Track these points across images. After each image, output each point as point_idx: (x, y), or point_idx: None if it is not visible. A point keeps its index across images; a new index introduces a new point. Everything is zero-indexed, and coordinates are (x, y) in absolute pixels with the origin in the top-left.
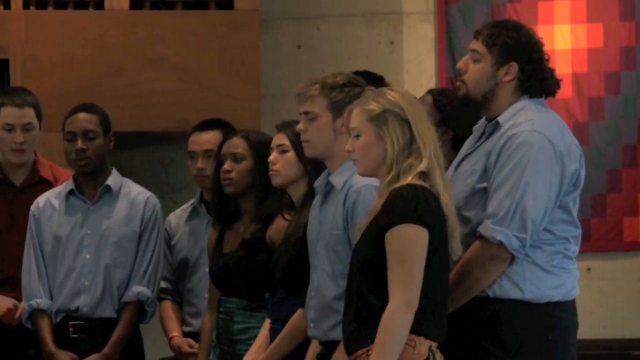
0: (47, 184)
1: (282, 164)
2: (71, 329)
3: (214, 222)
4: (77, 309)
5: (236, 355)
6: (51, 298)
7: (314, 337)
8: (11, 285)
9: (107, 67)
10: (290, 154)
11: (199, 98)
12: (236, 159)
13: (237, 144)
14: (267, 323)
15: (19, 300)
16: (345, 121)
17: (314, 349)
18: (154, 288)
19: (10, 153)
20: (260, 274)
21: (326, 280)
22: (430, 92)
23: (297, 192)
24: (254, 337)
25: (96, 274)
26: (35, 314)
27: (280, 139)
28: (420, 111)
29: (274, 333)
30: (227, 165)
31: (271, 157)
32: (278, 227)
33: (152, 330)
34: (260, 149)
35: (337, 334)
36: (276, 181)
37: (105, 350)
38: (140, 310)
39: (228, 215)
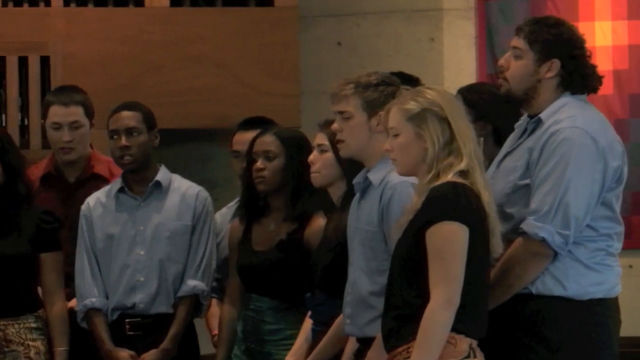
0: (101, 180)
1: (321, 163)
2: (127, 326)
3: (241, 217)
4: (134, 305)
5: (264, 354)
6: (105, 297)
7: (350, 333)
8: (65, 281)
9: (146, 65)
10: (329, 154)
11: (238, 95)
12: (268, 157)
13: (269, 142)
14: (308, 323)
15: (73, 295)
16: (383, 120)
17: (350, 346)
18: (208, 281)
19: (59, 151)
20: (295, 276)
21: (361, 276)
22: (459, 91)
23: (336, 193)
24: (285, 338)
25: (151, 270)
26: (90, 313)
27: (321, 139)
28: (459, 109)
29: (315, 334)
30: (259, 164)
31: (311, 157)
32: (315, 228)
33: (196, 327)
34: (292, 146)
35: (373, 330)
36: (316, 182)
37: (164, 345)
38: (196, 304)
39: (257, 211)
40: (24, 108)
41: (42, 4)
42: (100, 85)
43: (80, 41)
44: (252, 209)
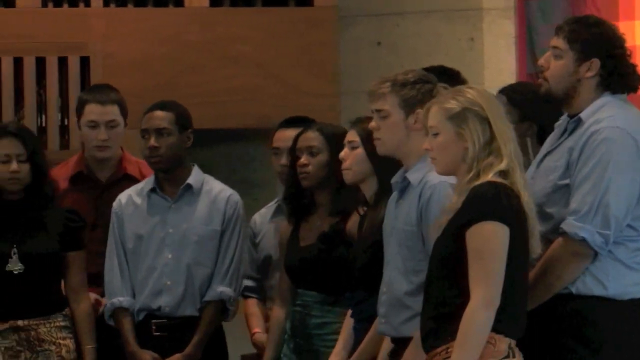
0: (132, 181)
1: (352, 160)
2: (153, 327)
3: (289, 215)
4: (159, 308)
5: (312, 351)
6: (133, 296)
7: (385, 333)
8: (95, 281)
9: (186, 65)
10: (360, 150)
11: (278, 95)
12: (312, 152)
13: (313, 138)
14: (349, 322)
15: (103, 296)
16: (421, 119)
17: (385, 346)
18: (236, 287)
19: (94, 150)
20: (339, 268)
21: (397, 276)
22: (502, 91)
23: (369, 190)
24: (331, 332)
25: (178, 274)
26: (117, 312)
27: (352, 135)
28: (499, 109)
29: (358, 333)
30: (303, 159)
31: (342, 154)
32: (355, 222)
33: (235, 327)
34: (336, 141)
35: (408, 330)
36: (347, 178)
37: (187, 350)
38: (222, 309)
39: (303, 208)
40: (64, 108)
41: (81, 4)
42: (139, 85)
43: (120, 41)
44: (298, 206)
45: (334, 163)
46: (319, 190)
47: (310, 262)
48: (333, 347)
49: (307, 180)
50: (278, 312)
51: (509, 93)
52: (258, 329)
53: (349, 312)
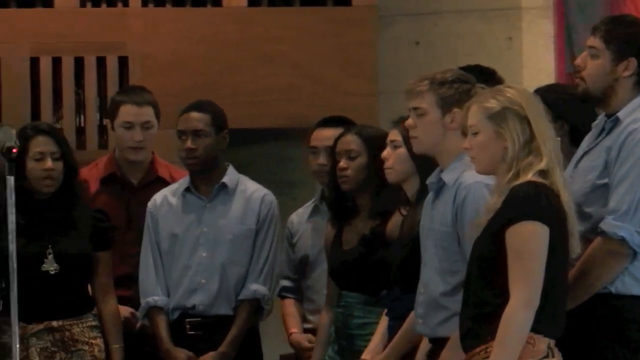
0: (164, 183)
1: (394, 159)
2: (188, 326)
3: (331, 219)
4: (194, 306)
5: (355, 351)
6: (168, 295)
7: (422, 333)
8: (127, 283)
9: (223, 64)
10: (402, 150)
11: (316, 94)
12: (350, 156)
13: (351, 141)
14: (385, 320)
15: (135, 298)
16: (458, 118)
17: (424, 346)
18: (270, 286)
19: (129, 151)
20: (379, 270)
21: (434, 276)
22: (536, 91)
23: (411, 189)
24: (373, 333)
25: (212, 272)
26: (152, 311)
27: (394, 135)
28: (539, 109)
29: (392, 330)
30: (342, 163)
31: (384, 153)
32: (396, 222)
33: (272, 327)
34: (374, 144)
35: (446, 330)
36: (390, 178)
37: (221, 348)
38: (257, 307)
39: (345, 212)
40: (102, 108)
41: (120, 4)
42: (177, 85)
43: (158, 41)
44: (340, 210)
45: (374, 165)
46: (359, 193)
47: (352, 266)
48: None
49: (347, 184)
50: (326, 316)
51: (543, 93)
52: (295, 329)
53: (385, 311)
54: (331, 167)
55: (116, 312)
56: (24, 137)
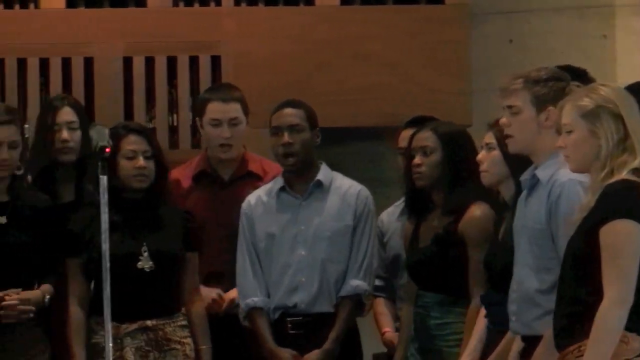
0: (255, 178)
1: (489, 162)
2: (289, 325)
3: (409, 215)
4: (295, 305)
5: (435, 350)
6: (267, 295)
7: (515, 331)
8: (216, 279)
9: (315, 63)
10: (496, 152)
11: (408, 93)
12: (425, 152)
13: (426, 137)
14: (482, 322)
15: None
16: (552, 116)
17: (516, 346)
18: (370, 281)
19: (218, 148)
20: (454, 268)
21: (528, 273)
22: (629, 88)
23: (507, 192)
24: (453, 332)
25: (312, 270)
26: (252, 312)
27: (488, 138)
28: (633, 106)
29: (491, 334)
30: (417, 159)
31: (479, 156)
32: (469, 219)
33: (365, 326)
34: (450, 140)
35: (539, 327)
36: (485, 180)
37: (326, 345)
38: (358, 303)
39: (421, 208)
40: (195, 108)
41: (212, 4)
42: (270, 83)
43: (251, 40)
44: (417, 206)
45: (449, 162)
46: (434, 190)
47: (427, 264)
48: (455, 346)
49: (421, 180)
50: (407, 312)
51: (636, 89)
52: (388, 328)
53: (482, 311)
54: (406, 163)
55: (203, 313)
56: (116, 136)
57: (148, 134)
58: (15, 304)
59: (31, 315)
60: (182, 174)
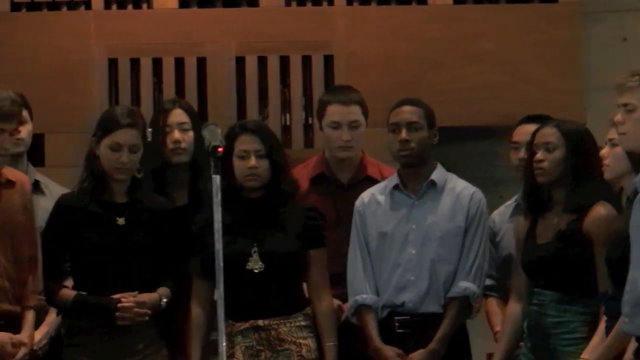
0: (373, 182)
1: (611, 158)
2: (397, 324)
3: (525, 212)
4: (403, 304)
5: (549, 349)
6: (376, 293)
7: (628, 332)
8: (336, 281)
9: (428, 62)
10: (619, 148)
11: (522, 92)
12: (548, 148)
13: (550, 133)
14: (604, 318)
15: (344, 296)
16: None
17: (632, 346)
18: (479, 283)
19: (337, 150)
20: (576, 266)
21: None
22: None
23: (630, 187)
24: (569, 332)
25: (422, 269)
26: (360, 309)
27: (612, 134)
28: None
29: (609, 331)
30: (539, 155)
31: (602, 151)
32: (595, 218)
33: (478, 326)
34: (573, 138)
35: None
36: (605, 175)
37: (432, 345)
38: (466, 305)
39: (540, 205)
40: (308, 107)
41: (325, 3)
42: (382, 83)
43: (363, 39)
44: (535, 202)
45: (572, 159)
46: (555, 187)
47: (548, 261)
48: (570, 345)
49: (543, 176)
50: (513, 307)
51: None
52: (500, 327)
53: (602, 308)
54: (528, 159)
55: (331, 310)
56: (231, 136)
57: (263, 133)
58: (131, 307)
59: (146, 318)
60: (299, 175)
